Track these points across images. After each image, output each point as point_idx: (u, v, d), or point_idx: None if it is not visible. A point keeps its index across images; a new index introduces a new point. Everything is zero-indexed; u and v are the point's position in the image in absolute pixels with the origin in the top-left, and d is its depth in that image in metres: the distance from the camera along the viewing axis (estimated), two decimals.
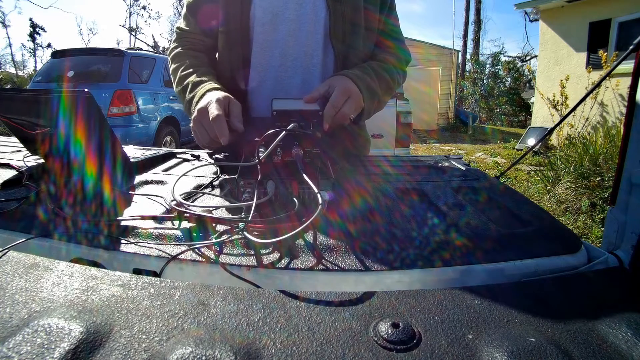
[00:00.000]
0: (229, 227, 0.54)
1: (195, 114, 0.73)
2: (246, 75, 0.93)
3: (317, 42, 0.90)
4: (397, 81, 0.96)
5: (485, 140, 9.15)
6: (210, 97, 0.72)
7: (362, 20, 0.91)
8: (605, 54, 5.61)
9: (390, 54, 0.99)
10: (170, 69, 0.95)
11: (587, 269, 0.52)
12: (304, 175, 0.55)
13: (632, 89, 0.57)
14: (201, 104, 0.72)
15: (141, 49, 5.97)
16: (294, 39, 0.90)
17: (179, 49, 0.95)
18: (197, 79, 0.85)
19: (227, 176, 0.62)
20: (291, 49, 0.90)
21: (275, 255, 0.49)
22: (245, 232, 0.50)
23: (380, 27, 0.98)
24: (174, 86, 0.92)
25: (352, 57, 0.92)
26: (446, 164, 0.99)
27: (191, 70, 0.88)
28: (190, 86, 0.84)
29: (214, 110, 0.67)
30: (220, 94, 0.74)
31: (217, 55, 0.98)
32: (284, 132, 0.60)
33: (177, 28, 0.99)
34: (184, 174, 0.73)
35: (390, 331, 0.34)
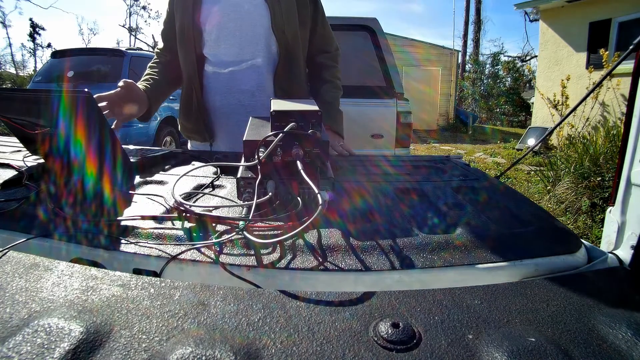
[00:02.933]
0: (229, 227, 0.54)
1: None
2: (201, 70, 1.15)
3: (260, 34, 1.12)
4: (341, 88, 1.27)
5: (485, 140, 9.15)
6: None
7: (296, 16, 1.13)
8: (607, 52, 5.60)
9: (328, 44, 1.26)
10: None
11: (587, 269, 0.52)
12: (304, 175, 0.55)
13: (632, 89, 0.57)
14: None
15: (141, 49, 5.97)
16: (240, 32, 1.11)
17: (150, 63, 1.23)
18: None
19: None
20: (238, 40, 1.11)
21: (275, 255, 0.49)
22: (245, 232, 0.50)
23: (312, 22, 1.20)
24: None
25: (293, 46, 1.14)
26: (446, 164, 0.99)
27: (144, 77, 1.17)
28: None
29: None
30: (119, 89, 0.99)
31: (179, 61, 1.19)
32: (281, 133, 0.60)
33: (157, 49, 1.27)
34: (184, 174, 0.73)
35: (390, 331, 0.34)
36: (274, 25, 1.11)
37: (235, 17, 1.11)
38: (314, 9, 1.21)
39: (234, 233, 0.51)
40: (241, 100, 1.15)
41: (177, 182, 0.67)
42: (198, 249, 0.49)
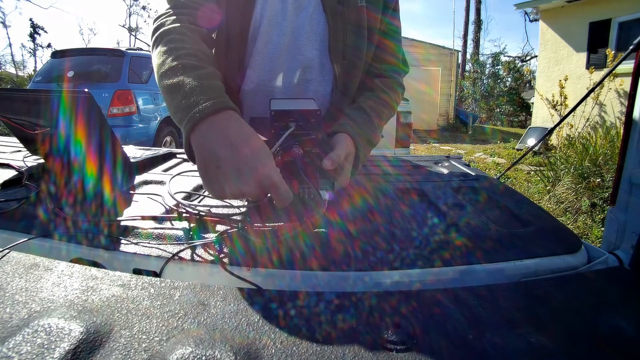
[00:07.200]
0: (229, 227, 0.54)
1: (222, 152, 0.49)
2: (239, 83, 0.84)
3: (311, 58, 0.82)
4: (394, 108, 0.89)
5: (485, 140, 9.15)
6: (242, 131, 0.53)
7: (365, 32, 0.83)
8: (612, 52, 5.61)
9: (393, 56, 0.92)
10: (157, 47, 0.64)
11: (587, 269, 0.52)
12: (304, 175, 0.55)
13: (632, 89, 0.57)
14: (231, 139, 0.50)
15: (141, 49, 5.95)
16: (287, 52, 0.82)
17: (177, 24, 0.67)
18: (204, 82, 0.56)
19: None
20: (283, 63, 0.83)
21: (275, 255, 0.49)
22: (245, 232, 0.50)
23: (383, 29, 0.89)
24: (158, 71, 0.60)
25: (356, 71, 0.85)
26: (446, 164, 0.99)
27: (193, 61, 0.60)
28: (189, 87, 0.55)
29: (269, 172, 0.50)
30: (253, 133, 0.54)
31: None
32: (286, 134, 0.59)
33: None
34: (178, 173, 0.73)
35: (390, 331, 0.34)
36: (331, 49, 0.81)
37: (285, 31, 0.81)
38: (393, 12, 0.90)
39: (234, 233, 0.51)
40: None
41: (171, 180, 0.67)
42: (198, 249, 0.49)
